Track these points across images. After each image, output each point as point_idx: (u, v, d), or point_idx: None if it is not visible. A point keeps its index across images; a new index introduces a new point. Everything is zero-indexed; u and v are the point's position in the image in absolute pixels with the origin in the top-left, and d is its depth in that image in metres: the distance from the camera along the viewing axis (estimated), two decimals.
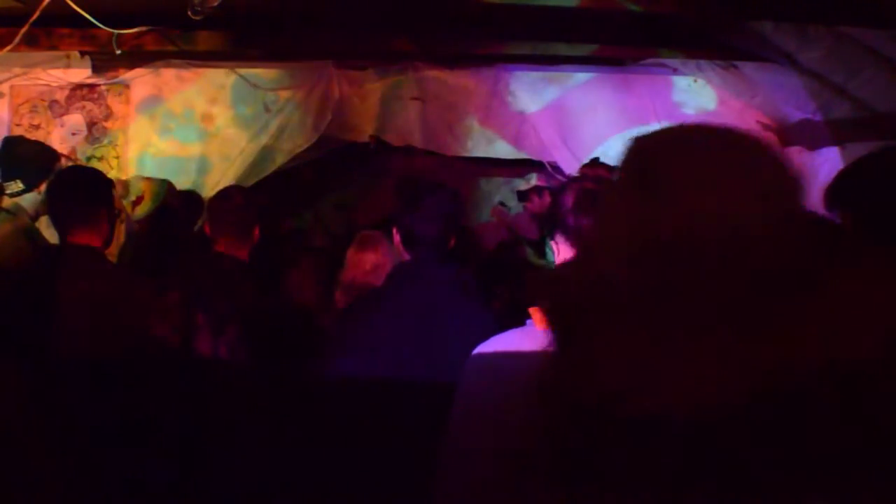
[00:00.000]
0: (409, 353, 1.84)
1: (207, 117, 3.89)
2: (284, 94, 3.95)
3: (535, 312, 1.36)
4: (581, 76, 4.30)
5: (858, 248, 0.63)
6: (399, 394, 1.80)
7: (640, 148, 0.66)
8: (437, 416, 1.41)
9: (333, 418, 1.90)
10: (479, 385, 1.39)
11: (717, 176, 0.59)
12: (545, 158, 4.43)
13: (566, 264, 0.66)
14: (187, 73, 3.84)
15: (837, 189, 1.50)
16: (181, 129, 3.86)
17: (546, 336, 0.67)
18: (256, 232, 2.47)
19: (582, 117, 4.33)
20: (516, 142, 4.37)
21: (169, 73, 3.81)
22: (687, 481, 0.54)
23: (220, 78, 3.89)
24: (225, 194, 2.61)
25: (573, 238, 1.42)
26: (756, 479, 0.53)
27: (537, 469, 0.63)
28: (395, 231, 2.04)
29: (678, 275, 0.57)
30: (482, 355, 1.43)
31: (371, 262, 2.62)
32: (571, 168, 4.22)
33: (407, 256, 2.03)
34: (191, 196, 3.55)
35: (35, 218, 2.66)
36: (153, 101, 3.81)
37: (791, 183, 0.62)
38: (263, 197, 4.04)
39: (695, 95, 4.36)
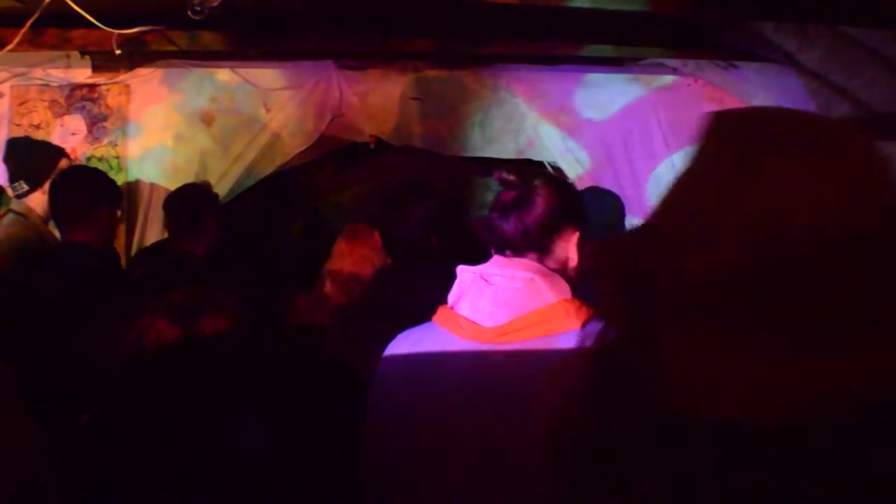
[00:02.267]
0: (376, 351, 1.85)
1: (207, 117, 3.89)
2: (284, 94, 3.95)
3: (442, 310, 1.38)
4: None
5: None
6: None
7: (733, 124, 0.57)
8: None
9: (322, 416, 1.92)
10: (394, 387, 1.40)
11: (830, 174, 0.51)
12: (545, 158, 4.42)
13: (633, 251, 0.60)
14: (187, 73, 3.84)
15: None
16: (181, 128, 3.86)
17: (597, 328, 0.62)
18: (212, 227, 2.46)
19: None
20: (517, 141, 4.36)
21: (169, 73, 3.81)
22: (738, 494, 0.51)
23: (220, 78, 3.89)
24: (179, 192, 2.61)
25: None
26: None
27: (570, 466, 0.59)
28: (376, 234, 2.06)
29: (768, 276, 0.51)
30: (394, 357, 1.43)
31: (359, 253, 2.66)
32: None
33: (388, 259, 2.05)
34: None
35: (46, 220, 2.67)
36: (153, 101, 3.81)
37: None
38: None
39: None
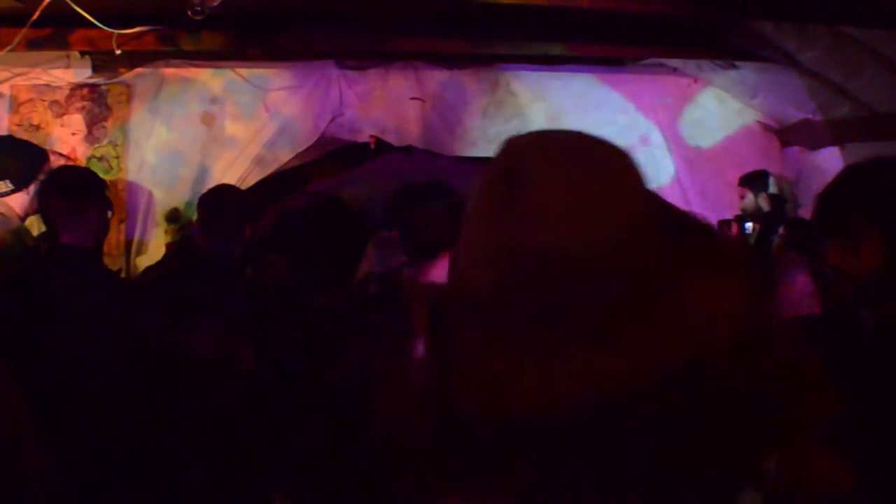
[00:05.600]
0: (399, 358, 1.84)
1: (208, 117, 3.89)
2: (284, 94, 3.95)
3: None
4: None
5: (708, 253, 0.66)
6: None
7: (511, 153, 0.66)
8: None
9: (324, 418, 1.91)
10: None
11: (581, 193, 0.60)
12: None
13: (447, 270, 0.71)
14: (187, 73, 3.84)
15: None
16: (181, 129, 3.86)
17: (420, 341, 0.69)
18: (246, 231, 2.46)
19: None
20: None
21: (169, 73, 3.81)
22: (540, 480, 0.58)
23: (220, 78, 3.89)
24: (214, 193, 2.60)
25: None
26: (599, 475, 0.57)
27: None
28: (395, 235, 2.04)
29: (534, 289, 0.59)
30: None
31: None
32: None
33: (405, 258, 2.03)
34: None
35: (24, 218, 2.66)
36: (153, 101, 3.81)
37: (645, 202, 0.64)
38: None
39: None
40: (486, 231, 0.62)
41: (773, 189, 4.08)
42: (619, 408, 0.57)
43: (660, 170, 4.22)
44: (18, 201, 2.62)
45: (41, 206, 2.30)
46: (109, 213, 2.40)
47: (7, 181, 2.61)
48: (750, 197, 4.03)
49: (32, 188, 2.60)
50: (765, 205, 3.99)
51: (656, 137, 4.32)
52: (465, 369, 0.62)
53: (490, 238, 0.62)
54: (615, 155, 0.65)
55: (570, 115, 4.29)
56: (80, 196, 2.20)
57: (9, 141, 3.02)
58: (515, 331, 0.60)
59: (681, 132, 4.36)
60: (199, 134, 3.88)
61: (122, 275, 3.49)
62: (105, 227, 2.33)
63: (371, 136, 4.17)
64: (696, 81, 4.30)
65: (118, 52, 3.06)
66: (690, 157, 4.32)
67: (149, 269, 3.14)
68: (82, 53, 3.51)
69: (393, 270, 2.62)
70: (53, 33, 3.03)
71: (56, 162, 3.03)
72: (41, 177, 2.59)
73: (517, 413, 0.58)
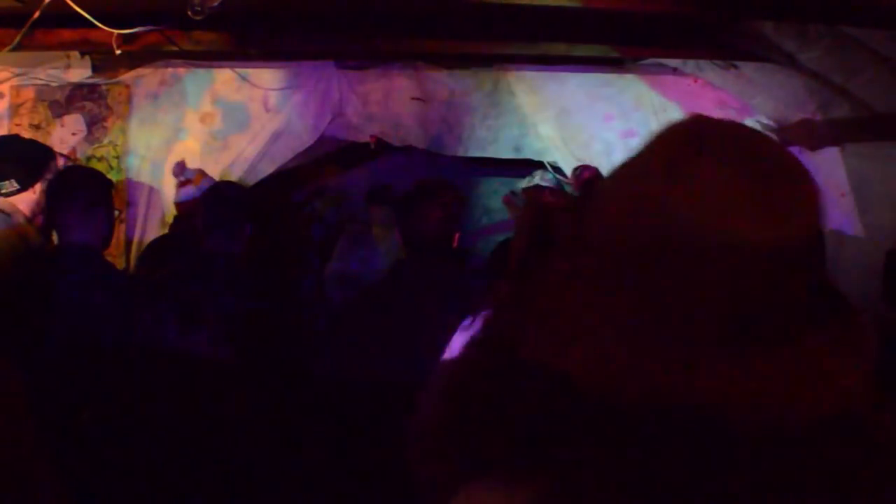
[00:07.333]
0: (399, 354, 1.84)
1: (208, 117, 3.89)
2: (284, 94, 3.95)
3: None
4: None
5: (829, 306, 0.62)
6: (388, 395, 1.79)
7: (697, 123, 0.61)
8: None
9: (322, 415, 1.91)
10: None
11: (753, 187, 0.55)
12: (546, 158, 4.43)
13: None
14: (187, 73, 3.84)
15: None
16: (181, 129, 3.86)
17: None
18: (248, 228, 2.46)
19: (582, 116, 4.33)
20: (517, 141, 4.37)
21: (169, 73, 3.81)
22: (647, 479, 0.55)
23: (219, 78, 3.89)
24: (216, 189, 2.60)
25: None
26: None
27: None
28: (397, 231, 2.06)
29: (679, 287, 0.54)
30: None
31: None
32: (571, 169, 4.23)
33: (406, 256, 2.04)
34: None
35: (30, 218, 2.65)
36: (153, 101, 3.81)
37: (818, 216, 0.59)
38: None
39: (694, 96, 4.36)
40: (647, 187, 0.56)
41: None
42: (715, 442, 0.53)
43: None
44: (25, 201, 2.61)
45: (48, 205, 2.30)
46: (116, 213, 2.40)
47: (13, 180, 2.60)
48: None
49: (39, 188, 2.59)
50: None
51: None
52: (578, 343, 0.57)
53: (648, 194, 0.56)
54: (796, 160, 0.60)
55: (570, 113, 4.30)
56: (89, 196, 2.20)
57: (16, 140, 3.01)
58: (641, 316, 0.55)
59: None
60: (199, 134, 3.88)
61: None
62: (112, 226, 2.33)
63: (371, 136, 4.18)
64: (695, 81, 4.30)
65: (118, 52, 3.06)
66: None
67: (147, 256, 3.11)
68: (82, 53, 3.51)
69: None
70: (53, 33, 3.03)
71: (57, 162, 3.02)
72: (48, 176, 2.59)
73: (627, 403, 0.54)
